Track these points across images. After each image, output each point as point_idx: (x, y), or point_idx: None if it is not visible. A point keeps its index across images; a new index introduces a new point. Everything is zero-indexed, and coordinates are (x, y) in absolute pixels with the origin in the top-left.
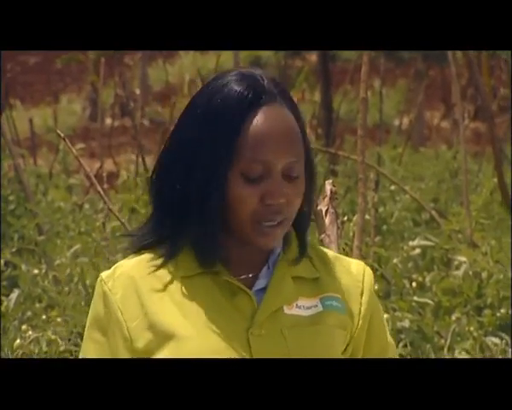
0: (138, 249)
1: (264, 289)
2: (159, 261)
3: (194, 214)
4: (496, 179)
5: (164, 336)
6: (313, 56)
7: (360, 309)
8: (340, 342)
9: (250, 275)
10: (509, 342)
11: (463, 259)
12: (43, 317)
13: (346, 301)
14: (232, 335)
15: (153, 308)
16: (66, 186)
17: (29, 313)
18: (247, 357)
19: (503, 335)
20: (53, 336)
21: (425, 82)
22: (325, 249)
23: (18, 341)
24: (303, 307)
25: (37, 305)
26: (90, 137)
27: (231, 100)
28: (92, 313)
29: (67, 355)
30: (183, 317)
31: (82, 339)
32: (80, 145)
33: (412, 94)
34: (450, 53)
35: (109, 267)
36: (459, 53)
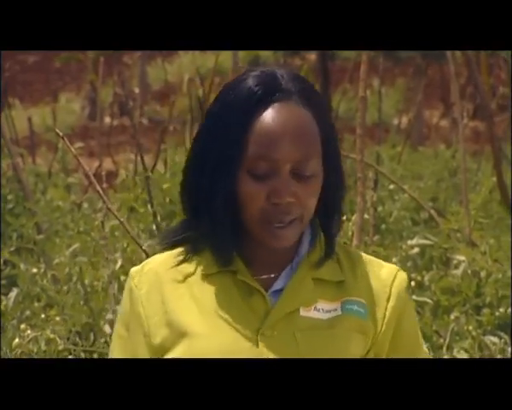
0: (171, 244)
1: (282, 291)
2: (184, 257)
3: (202, 213)
4: (495, 178)
5: (178, 334)
6: (312, 55)
7: (385, 314)
8: (358, 346)
9: (272, 275)
10: (508, 341)
11: (462, 258)
12: (42, 316)
13: (370, 306)
14: (244, 335)
15: (172, 305)
16: (65, 185)
17: (28, 312)
18: (257, 358)
19: (502, 334)
20: (52, 335)
21: (424, 81)
22: (360, 252)
23: (17, 340)
24: (322, 310)
25: (36, 304)
26: (89, 136)
27: (241, 96)
28: (120, 308)
29: (66, 354)
30: (198, 315)
31: (81, 338)
32: (79, 144)
33: (411, 93)
34: (449, 52)
35: (108, 266)
36: (458, 52)
